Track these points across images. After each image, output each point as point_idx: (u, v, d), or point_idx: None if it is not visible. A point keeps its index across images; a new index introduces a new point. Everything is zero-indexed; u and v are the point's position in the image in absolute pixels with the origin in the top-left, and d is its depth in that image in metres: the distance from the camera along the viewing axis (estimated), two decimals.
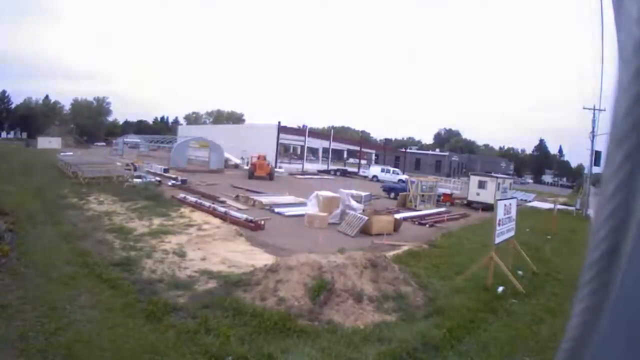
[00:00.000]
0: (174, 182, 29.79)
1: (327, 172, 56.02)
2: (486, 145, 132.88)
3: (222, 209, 18.92)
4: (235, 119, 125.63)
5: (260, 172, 38.09)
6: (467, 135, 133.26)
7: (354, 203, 20.35)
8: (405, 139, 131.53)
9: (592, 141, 35.92)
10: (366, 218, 17.47)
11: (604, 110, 33.45)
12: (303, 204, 22.22)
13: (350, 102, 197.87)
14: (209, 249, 13.13)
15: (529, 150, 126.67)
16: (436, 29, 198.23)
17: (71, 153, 48.74)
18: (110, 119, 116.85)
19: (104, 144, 67.99)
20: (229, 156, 50.58)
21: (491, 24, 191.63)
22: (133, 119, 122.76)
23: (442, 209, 27.37)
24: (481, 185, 30.44)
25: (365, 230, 17.18)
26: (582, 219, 30.76)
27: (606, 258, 0.56)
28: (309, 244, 13.35)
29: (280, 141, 56.66)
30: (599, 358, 0.60)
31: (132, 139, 76.96)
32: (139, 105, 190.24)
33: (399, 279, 10.28)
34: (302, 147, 62.62)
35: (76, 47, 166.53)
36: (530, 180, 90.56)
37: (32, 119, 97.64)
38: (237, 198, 24.35)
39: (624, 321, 0.58)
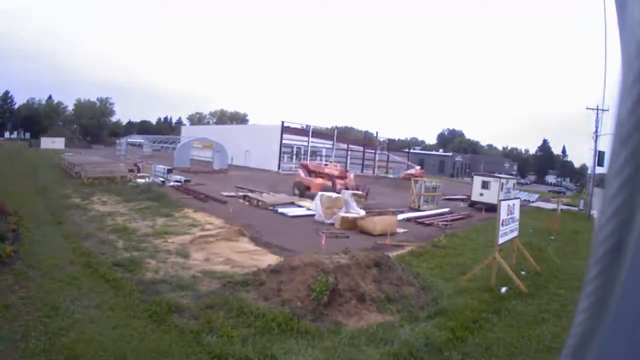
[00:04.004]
0: (177, 181, 29.93)
1: None
2: (490, 146, 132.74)
3: None
4: (238, 119, 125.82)
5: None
6: (470, 135, 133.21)
7: (354, 204, 20.33)
8: (408, 139, 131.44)
9: (596, 141, 35.86)
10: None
11: (607, 110, 33.41)
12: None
13: (353, 103, 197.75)
14: (212, 249, 13.16)
15: (532, 151, 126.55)
16: (440, 29, 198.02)
17: (71, 153, 48.79)
18: (114, 119, 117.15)
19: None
20: None
21: (495, 24, 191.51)
22: (136, 119, 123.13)
23: (446, 210, 27.34)
24: (484, 185, 30.35)
25: (368, 231, 17.21)
26: (585, 219, 30.65)
27: (611, 255, 0.57)
28: (312, 244, 13.35)
29: (284, 141, 56.67)
30: (604, 354, 0.61)
31: (135, 139, 77.19)
32: (142, 106, 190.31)
33: (402, 280, 10.27)
34: (306, 147, 62.52)
35: (79, 47, 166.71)
36: (527, 182, 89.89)
37: (35, 119, 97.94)
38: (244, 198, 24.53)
39: (629, 317, 0.58)
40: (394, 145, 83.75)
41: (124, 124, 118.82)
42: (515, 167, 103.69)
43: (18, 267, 9.88)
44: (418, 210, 26.74)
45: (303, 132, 62.45)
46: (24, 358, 6.21)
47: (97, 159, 39.21)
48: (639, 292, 0.57)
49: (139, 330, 7.38)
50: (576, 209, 36.78)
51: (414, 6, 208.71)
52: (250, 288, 9.59)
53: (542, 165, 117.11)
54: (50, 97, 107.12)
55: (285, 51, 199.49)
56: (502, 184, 29.86)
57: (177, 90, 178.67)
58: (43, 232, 13.55)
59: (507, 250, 12.59)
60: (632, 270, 0.56)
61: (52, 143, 72.10)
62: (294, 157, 63.60)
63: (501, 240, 11.40)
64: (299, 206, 22.97)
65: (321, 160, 66.32)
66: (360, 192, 23.88)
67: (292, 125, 60.10)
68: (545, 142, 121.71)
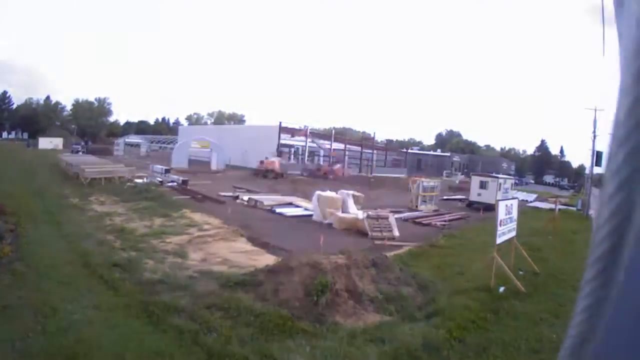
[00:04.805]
0: (174, 182, 29.81)
1: None
2: (487, 146, 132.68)
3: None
4: (236, 120, 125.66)
5: None
6: (468, 136, 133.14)
7: (352, 204, 20.30)
8: (406, 139, 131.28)
9: (594, 141, 35.87)
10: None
11: (605, 110, 33.47)
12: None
13: (351, 104, 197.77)
14: (210, 250, 13.14)
15: (530, 151, 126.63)
16: (438, 29, 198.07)
17: (69, 153, 48.75)
18: (111, 119, 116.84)
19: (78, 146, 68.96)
20: None
21: (493, 25, 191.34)
22: (134, 119, 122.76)
23: (444, 210, 27.37)
24: (482, 185, 30.34)
25: (365, 231, 17.21)
26: (583, 219, 30.66)
27: (608, 256, 0.57)
28: (311, 245, 13.33)
29: (281, 142, 56.63)
30: (602, 355, 0.61)
31: (133, 139, 77.13)
32: (141, 106, 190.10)
33: (400, 280, 10.28)
34: (304, 147, 62.47)
35: (78, 47, 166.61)
36: (525, 182, 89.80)
37: (33, 119, 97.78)
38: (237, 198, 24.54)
39: (627, 318, 0.58)
40: (392, 146, 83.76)
41: (121, 124, 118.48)
42: (513, 167, 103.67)
43: (16, 267, 9.87)
44: (416, 210, 26.74)
45: (301, 132, 62.42)
46: (23, 358, 6.20)
47: (95, 159, 39.16)
48: (637, 293, 0.57)
49: (137, 331, 7.37)
50: (574, 208, 36.77)
51: (412, 7, 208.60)
52: (248, 288, 9.58)
53: (540, 165, 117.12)
54: (48, 97, 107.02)
55: (283, 52, 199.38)
56: (500, 184, 29.85)
57: (175, 90, 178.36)
58: (41, 232, 13.53)
59: (505, 250, 12.59)
60: (631, 271, 0.56)
61: (50, 143, 72.05)
62: (292, 157, 63.54)
63: (499, 240, 11.41)
64: (297, 206, 22.95)
65: (319, 160, 66.41)
66: (357, 193, 23.77)
67: (290, 126, 60.11)
68: (542, 142, 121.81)
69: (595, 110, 35.71)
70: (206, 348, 6.91)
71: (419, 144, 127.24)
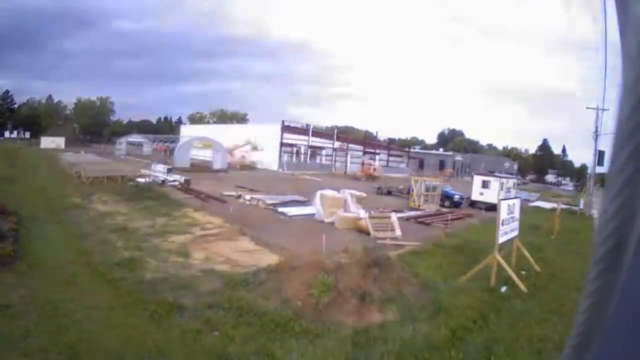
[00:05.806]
0: (177, 181, 29.69)
1: None
2: (489, 145, 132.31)
3: None
4: (238, 118, 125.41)
5: None
6: (470, 135, 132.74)
7: (351, 205, 20.28)
8: (409, 138, 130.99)
9: (596, 141, 35.75)
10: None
11: (607, 109, 33.34)
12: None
13: (354, 102, 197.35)
14: (213, 249, 13.14)
15: (532, 150, 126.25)
16: (439, 29, 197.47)
17: (71, 153, 48.79)
18: (114, 118, 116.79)
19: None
20: None
21: (493, 24, 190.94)
22: (137, 118, 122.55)
23: (446, 209, 27.31)
24: (485, 185, 30.28)
25: (367, 230, 17.20)
26: (585, 219, 30.56)
27: (612, 255, 0.57)
28: (313, 244, 13.32)
29: (284, 140, 56.67)
30: (605, 354, 0.61)
31: (135, 138, 77.14)
32: (143, 105, 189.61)
33: (402, 279, 10.27)
34: (306, 146, 62.43)
35: (80, 47, 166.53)
36: (526, 181, 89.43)
37: (35, 118, 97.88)
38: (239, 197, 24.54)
39: (629, 317, 0.58)
40: (394, 145, 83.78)
41: (124, 123, 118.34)
42: (515, 167, 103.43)
43: (18, 266, 9.89)
44: (418, 209, 26.70)
45: (303, 131, 62.41)
46: (24, 357, 6.21)
47: (97, 158, 39.21)
48: None
49: (139, 330, 7.38)
50: (576, 208, 36.66)
51: (413, 5, 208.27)
52: (251, 287, 9.59)
53: (542, 164, 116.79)
54: (50, 96, 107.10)
55: (285, 50, 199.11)
56: (502, 183, 29.79)
57: (177, 89, 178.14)
58: (43, 232, 13.56)
59: (507, 249, 12.58)
60: (634, 270, 0.56)
61: (52, 142, 72.22)
62: (295, 156, 63.55)
63: (501, 240, 11.40)
64: (299, 206, 22.94)
65: (320, 159, 66.45)
66: (358, 193, 23.72)
67: (292, 125, 60.13)
68: (545, 141, 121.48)
69: (598, 109, 35.61)
70: (208, 347, 6.92)
71: (421, 142, 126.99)
